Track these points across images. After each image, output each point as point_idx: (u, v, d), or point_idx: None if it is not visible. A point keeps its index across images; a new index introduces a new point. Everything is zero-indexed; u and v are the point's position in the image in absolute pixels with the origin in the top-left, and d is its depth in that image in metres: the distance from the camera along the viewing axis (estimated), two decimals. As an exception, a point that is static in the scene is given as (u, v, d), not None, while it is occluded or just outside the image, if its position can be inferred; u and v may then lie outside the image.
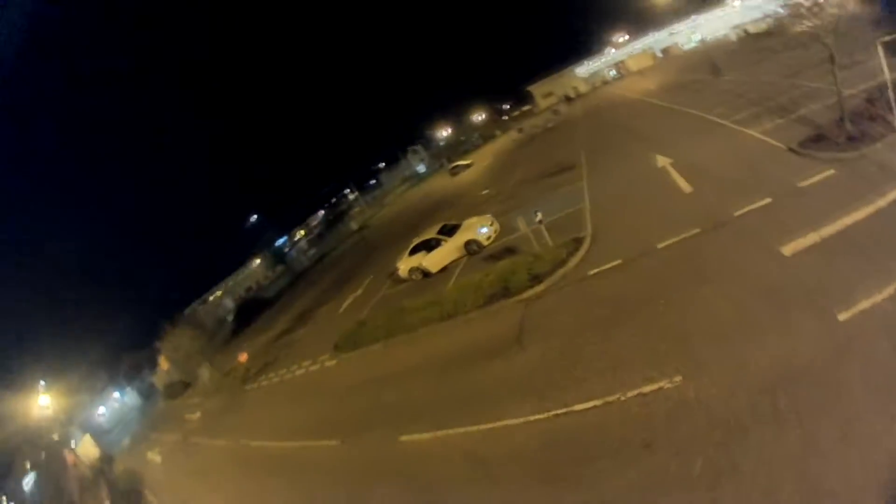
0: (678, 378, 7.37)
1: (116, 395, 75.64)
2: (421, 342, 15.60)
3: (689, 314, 8.75)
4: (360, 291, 28.72)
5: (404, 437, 10.76)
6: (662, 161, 18.05)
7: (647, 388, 7.56)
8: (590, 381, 8.59)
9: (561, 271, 13.56)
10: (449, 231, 22.29)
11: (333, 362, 19.54)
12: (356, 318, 21.80)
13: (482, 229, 21.03)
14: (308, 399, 18.08)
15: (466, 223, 22.51)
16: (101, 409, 73.02)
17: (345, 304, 27.72)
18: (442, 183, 64.24)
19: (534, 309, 12.71)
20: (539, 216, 15.20)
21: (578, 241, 14.66)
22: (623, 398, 7.70)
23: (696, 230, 11.53)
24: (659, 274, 10.74)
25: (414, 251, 22.95)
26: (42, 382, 36.56)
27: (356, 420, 13.52)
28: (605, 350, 9.17)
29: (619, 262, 12.33)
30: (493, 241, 20.56)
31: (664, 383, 7.43)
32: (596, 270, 12.67)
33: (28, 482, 37.38)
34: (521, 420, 8.79)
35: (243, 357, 33.26)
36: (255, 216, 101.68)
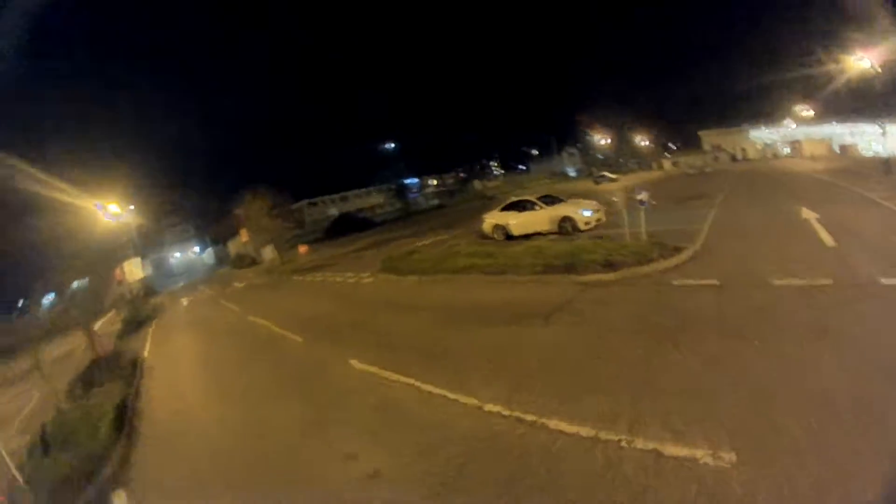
0: (729, 455, 4.21)
1: (196, 249, 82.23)
2: (453, 286, 14.21)
3: (785, 372, 5.40)
4: (444, 237, 27.42)
5: (353, 362, 9.01)
6: (807, 214, 14.94)
7: (671, 450, 4.47)
8: (596, 398, 5.65)
9: (642, 269, 10.54)
10: (549, 201, 20.36)
11: (370, 280, 19.52)
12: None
13: (584, 211, 18.58)
14: (325, 301, 17.91)
15: (572, 200, 20.58)
16: (178, 254, 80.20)
17: (422, 243, 26.41)
18: (581, 186, 63.57)
19: (589, 294, 10.01)
20: (642, 195, 12.58)
21: (677, 250, 11.41)
22: (626, 445, 4.71)
23: (828, 281, 8.08)
24: (762, 310, 7.35)
25: (507, 209, 21.31)
26: (131, 206, 38.69)
27: (339, 330, 12.40)
28: (644, 370, 6.11)
29: (715, 282, 9.05)
30: (591, 228, 17.96)
31: (703, 454, 4.31)
32: (683, 282, 9.47)
33: (77, 284, 39.56)
34: (476, 403, 6.19)
35: (303, 249, 34.74)
36: (393, 145, 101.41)
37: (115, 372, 13.02)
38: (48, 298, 45.98)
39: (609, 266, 10.80)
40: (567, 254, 12.17)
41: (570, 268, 11.47)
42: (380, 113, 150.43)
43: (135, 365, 14.25)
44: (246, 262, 51.43)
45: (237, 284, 35.83)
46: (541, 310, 9.36)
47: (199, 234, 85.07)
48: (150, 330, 22.88)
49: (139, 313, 27.52)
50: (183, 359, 14.63)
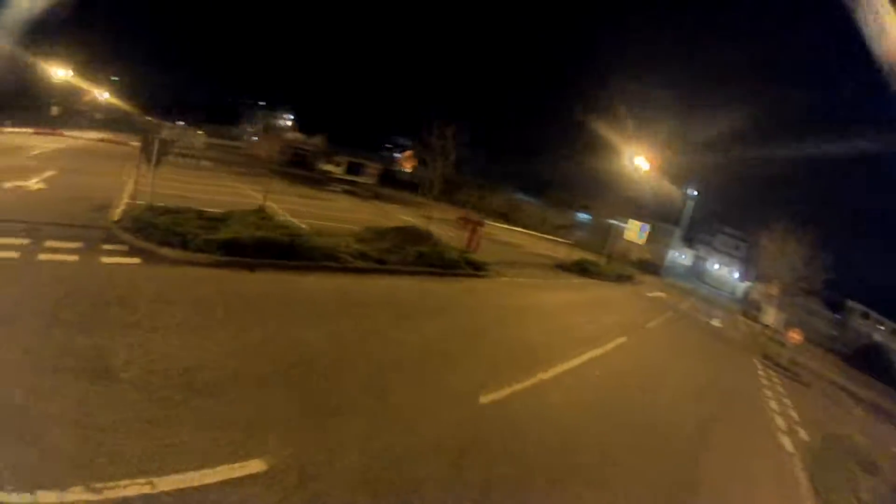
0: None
1: (736, 273, 78.94)
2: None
3: None
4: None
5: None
6: None
7: None
8: None
9: None
10: None
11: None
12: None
13: None
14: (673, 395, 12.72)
15: None
16: (717, 265, 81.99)
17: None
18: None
19: None
20: None
21: None
22: None
23: None
24: None
25: None
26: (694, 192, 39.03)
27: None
28: None
29: None
30: None
31: None
32: None
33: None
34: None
35: (796, 338, 25.65)
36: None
37: (420, 247, 17.25)
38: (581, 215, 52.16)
39: None
40: None
41: None
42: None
43: (466, 263, 18.15)
44: (751, 312, 45.52)
45: (709, 321, 31.98)
46: None
47: (748, 259, 79.19)
48: (571, 279, 24.75)
49: (592, 266, 27.48)
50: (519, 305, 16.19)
